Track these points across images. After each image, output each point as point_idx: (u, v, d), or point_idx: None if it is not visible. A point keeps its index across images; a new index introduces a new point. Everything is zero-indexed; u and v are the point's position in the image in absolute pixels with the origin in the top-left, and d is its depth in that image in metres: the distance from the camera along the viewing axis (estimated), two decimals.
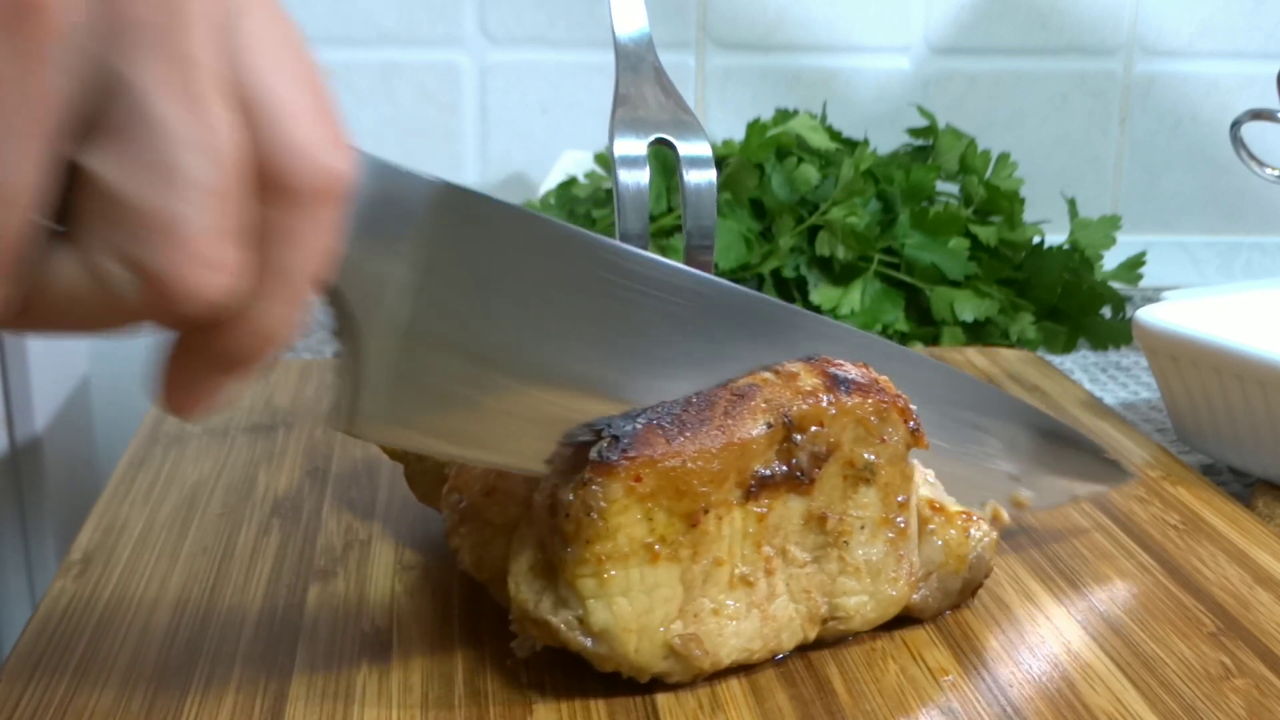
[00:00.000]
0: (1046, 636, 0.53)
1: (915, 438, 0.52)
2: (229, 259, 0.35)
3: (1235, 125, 0.90)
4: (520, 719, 0.47)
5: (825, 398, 0.50)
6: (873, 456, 0.51)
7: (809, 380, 0.51)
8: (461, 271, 0.44)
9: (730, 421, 0.49)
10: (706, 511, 0.48)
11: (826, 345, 0.52)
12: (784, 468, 0.50)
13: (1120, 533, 0.62)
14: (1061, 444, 0.61)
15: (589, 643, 0.47)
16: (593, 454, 0.47)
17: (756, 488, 0.49)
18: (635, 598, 0.47)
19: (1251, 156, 0.90)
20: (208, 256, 0.34)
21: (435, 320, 0.44)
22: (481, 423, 0.46)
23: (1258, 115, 0.90)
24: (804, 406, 0.50)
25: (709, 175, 0.56)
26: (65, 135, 0.33)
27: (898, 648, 0.53)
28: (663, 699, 0.49)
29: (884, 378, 0.53)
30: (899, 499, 0.52)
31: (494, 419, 0.46)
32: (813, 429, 0.50)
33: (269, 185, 0.36)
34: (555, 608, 0.48)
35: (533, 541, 0.49)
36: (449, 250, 0.44)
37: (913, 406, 0.52)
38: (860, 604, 0.52)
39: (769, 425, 0.49)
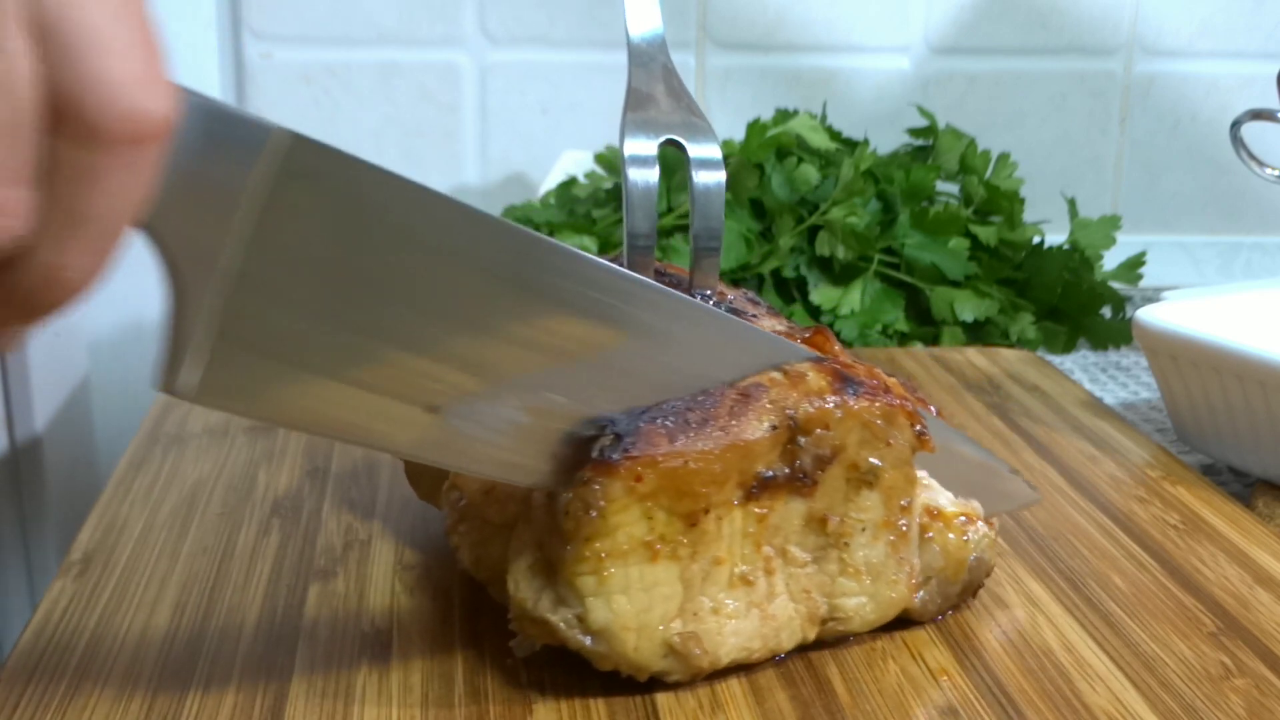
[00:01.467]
0: (1047, 636, 0.53)
1: (921, 441, 0.52)
2: (17, 200, 0.33)
3: (1235, 125, 0.90)
4: (520, 719, 0.47)
5: (832, 400, 0.50)
6: (877, 460, 0.51)
7: (816, 381, 0.50)
8: (304, 227, 0.41)
9: (734, 422, 0.48)
10: (707, 511, 0.48)
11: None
12: (787, 469, 0.50)
13: (1120, 533, 0.62)
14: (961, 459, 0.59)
15: (588, 641, 0.47)
16: (594, 452, 0.47)
17: (758, 488, 0.49)
18: (634, 596, 0.47)
19: (1251, 156, 0.90)
20: None
21: (270, 275, 0.41)
22: (319, 392, 0.43)
23: (1258, 115, 0.90)
24: (810, 409, 0.50)
25: (718, 177, 0.56)
26: None
27: (898, 648, 0.53)
28: (662, 699, 0.49)
29: (894, 380, 0.53)
30: (902, 502, 0.52)
31: (334, 388, 0.43)
32: (818, 431, 0.50)
33: (71, 122, 0.33)
34: (554, 606, 0.48)
35: (532, 540, 0.49)
36: (290, 203, 0.40)
37: (922, 410, 0.52)
38: (859, 605, 0.52)
39: (773, 427, 0.49)
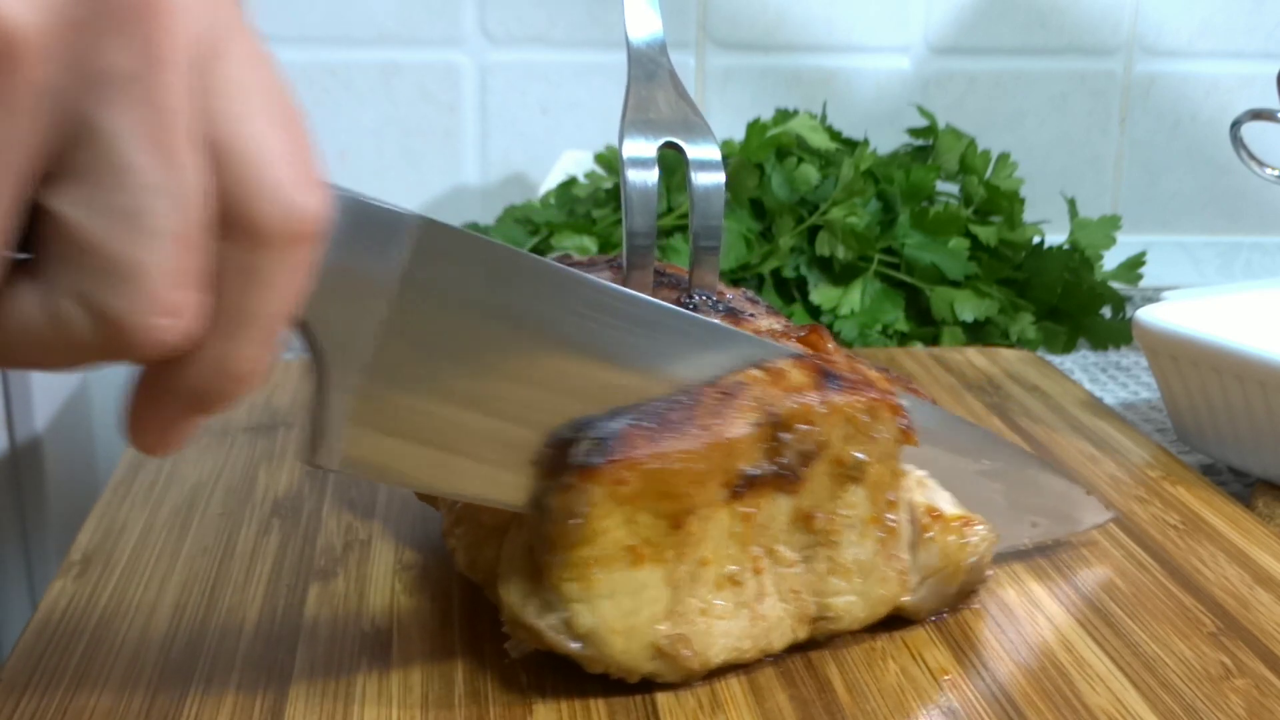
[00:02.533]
0: (1047, 636, 0.53)
1: (906, 435, 0.52)
2: (189, 304, 0.35)
3: (1235, 125, 0.90)
4: (520, 719, 0.47)
5: (814, 395, 0.50)
6: (862, 455, 0.51)
7: (798, 377, 0.50)
8: (438, 309, 0.44)
9: (716, 420, 0.48)
10: (691, 513, 0.48)
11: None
12: (771, 467, 0.50)
13: (1120, 533, 0.62)
14: (1040, 483, 0.61)
15: (575, 645, 0.47)
16: (574, 456, 0.47)
17: (743, 487, 0.49)
18: (620, 600, 0.47)
19: (1251, 156, 0.90)
20: (167, 302, 0.34)
21: (407, 356, 0.44)
22: (452, 459, 0.46)
23: (1258, 115, 0.90)
24: (792, 405, 0.49)
25: (718, 178, 0.56)
26: (35, 177, 0.33)
27: (898, 648, 0.53)
28: (663, 699, 0.49)
29: (876, 373, 0.53)
30: (888, 497, 0.52)
31: (465, 454, 0.46)
32: (801, 427, 0.49)
33: (239, 228, 0.35)
34: (541, 611, 0.48)
35: (522, 544, 0.49)
36: (426, 287, 0.43)
37: (903, 403, 0.52)
38: (849, 604, 0.52)
39: (756, 424, 0.49)
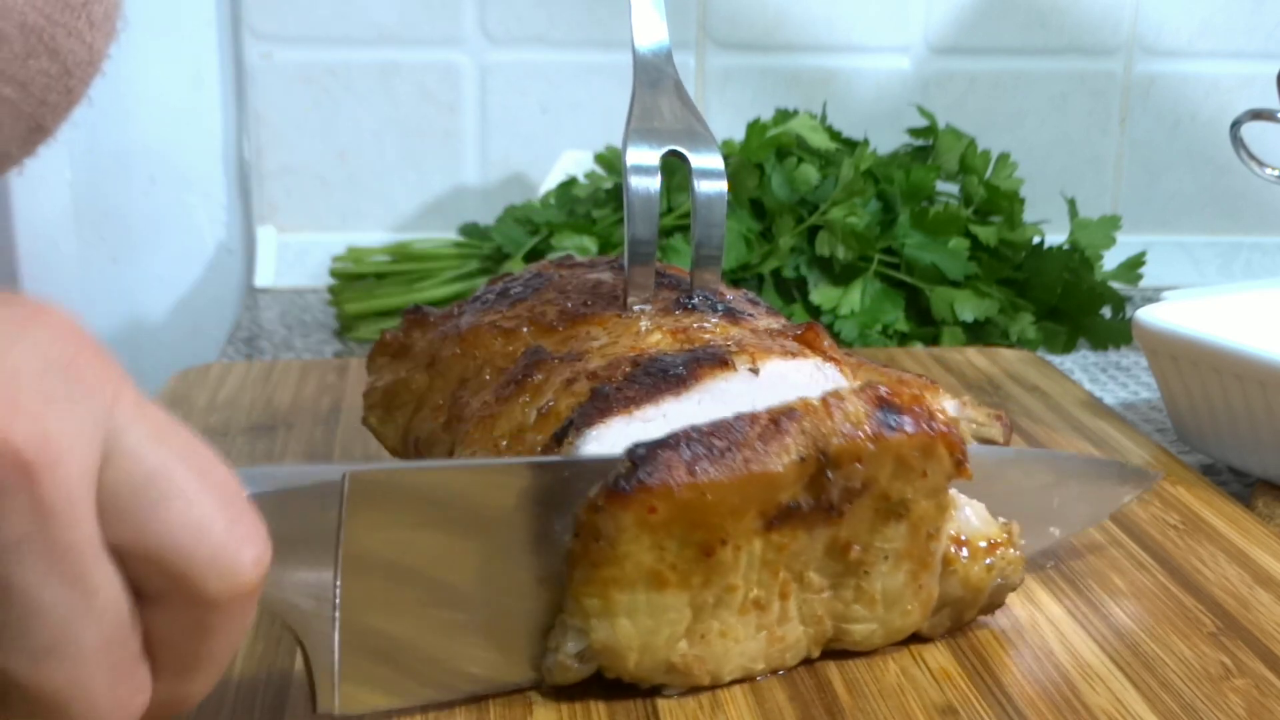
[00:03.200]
0: (1047, 636, 0.53)
1: (960, 470, 0.50)
2: (132, 694, 0.37)
3: (1235, 125, 0.90)
4: (520, 719, 0.47)
5: (868, 431, 0.47)
6: (910, 493, 0.49)
7: (855, 406, 0.48)
8: (384, 545, 0.44)
9: (760, 452, 0.46)
10: (724, 543, 0.46)
11: None
12: (813, 501, 0.47)
13: (1120, 533, 0.62)
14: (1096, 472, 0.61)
15: (583, 667, 0.47)
16: (608, 479, 0.45)
17: (780, 518, 0.47)
18: (639, 620, 0.46)
19: (1251, 156, 0.90)
20: (109, 706, 0.36)
21: (367, 596, 0.44)
22: (449, 664, 0.47)
23: (1258, 115, 0.90)
24: (842, 441, 0.47)
25: (720, 186, 0.56)
26: None
27: (898, 648, 0.52)
28: (663, 699, 0.49)
29: (940, 405, 0.50)
30: (929, 530, 0.50)
31: (458, 659, 0.47)
32: (849, 465, 0.47)
33: (185, 599, 0.36)
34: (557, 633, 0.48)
35: None
36: (366, 534, 0.44)
37: (962, 438, 0.50)
38: (869, 631, 0.51)
39: (801, 458, 0.47)
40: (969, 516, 0.52)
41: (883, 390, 0.49)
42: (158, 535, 0.36)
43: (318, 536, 0.43)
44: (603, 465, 0.46)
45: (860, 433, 0.47)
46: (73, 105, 0.56)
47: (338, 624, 0.44)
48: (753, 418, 0.47)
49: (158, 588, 0.36)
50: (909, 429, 0.48)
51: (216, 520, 0.37)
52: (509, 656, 0.48)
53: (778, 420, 0.47)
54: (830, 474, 0.47)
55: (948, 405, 0.55)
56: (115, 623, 0.36)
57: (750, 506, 0.46)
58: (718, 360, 0.51)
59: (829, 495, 0.48)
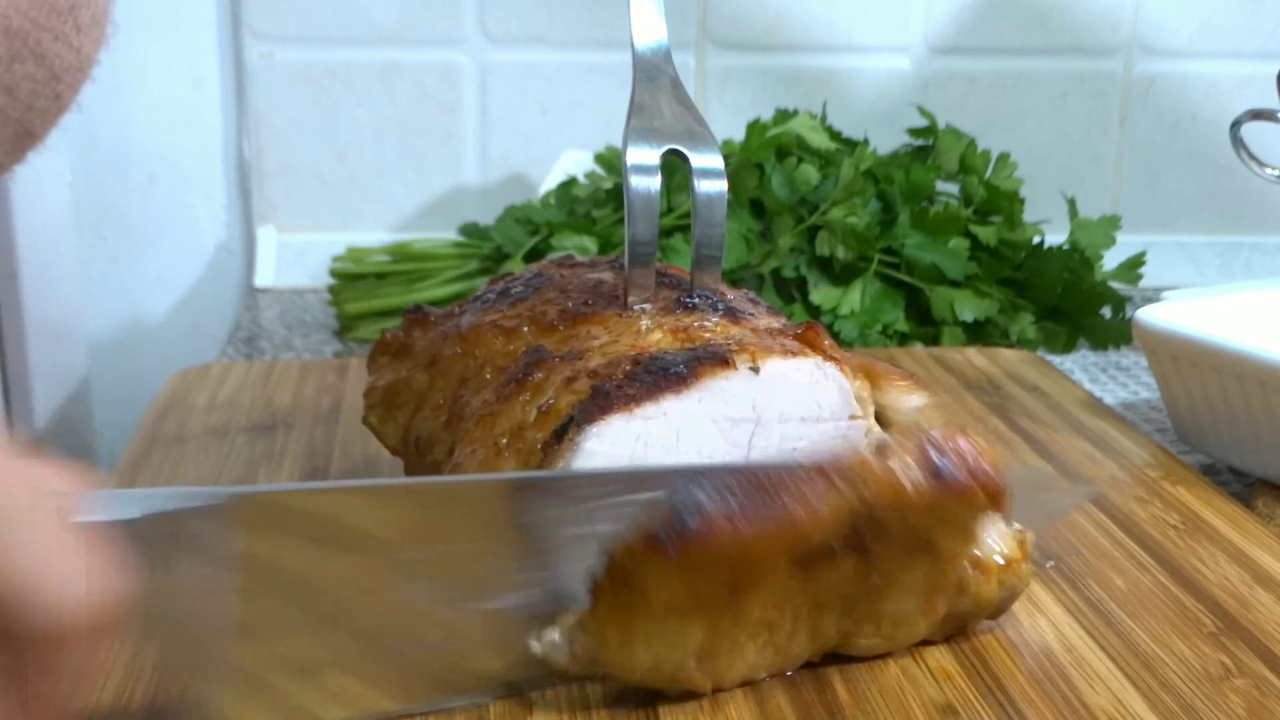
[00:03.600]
0: (1047, 636, 0.53)
1: (997, 506, 0.49)
2: None
3: (1235, 125, 0.90)
4: (520, 719, 0.47)
5: (916, 482, 0.47)
6: (942, 533, 0.49)
7: (903, 461, 0.47)
8: (275, 566, 0.44)
9: (802, 500, 0.45)
10: (755, 582, 0.46)
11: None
12: (845, 544, 0.47)
13: (1120, 533, 0.62)
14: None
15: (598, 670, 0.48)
16: (645, 526, 0.45)
17: (811, 558, 0.47)
18: (656, 646, 0.46)
19: (1251, 156, 0.90)
20: None
21: (262, 615, 0.44)
22: (342, 688, 0.46)
23: (1258, 115, 0.90)
24: (886, 498, 0.46)
25: (720, 186, 0.56)
26: None
27: None
28: (664, 703, 0.48)
29: (990, 459, 0.48)
30: (951, 558, 0.50)
31: (351, 677, 0.46)
32: (891, 515, 0.47)
33: (16, 640, 0.35)
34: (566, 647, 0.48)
35: None
36: (256, 554, 0.43)
37: (1005, 485, 0.48)
38: (872, 645, 0.51)
39: (838, 509, 0.46)
40: (988, 536, 0.52)
41: (931, 443, 0.47)
42: None
43: (201, 558, 0.42)
44: (481, 487, 0.46)
45: (908, 485, 0.46)
46: (62, 111, 0.56)
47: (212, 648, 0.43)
48: (798, 466, 0.46)
49: None
50: (956, 480, 0.47)
51: (49, 552, 0.35)
52: (403, 682, 0.47)
53: (824, 471, 0.46)
54: (868, 522, 0.47)
55: (914, 399, 0.55)
56: None
57: (786, 550, 0.46)
58: (718, 359, 0.51)
59: (863, 539, 0.47)
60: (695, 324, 0.54)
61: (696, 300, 0.56)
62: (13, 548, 0.35)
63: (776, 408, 0.52)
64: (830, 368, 0.53)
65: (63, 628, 0.35)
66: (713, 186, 0.56)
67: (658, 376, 0.50)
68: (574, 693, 0.49)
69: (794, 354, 0.52)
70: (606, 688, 0.49)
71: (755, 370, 0.51)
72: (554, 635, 0.47)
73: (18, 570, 0.35)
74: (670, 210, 0.98)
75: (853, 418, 0.53)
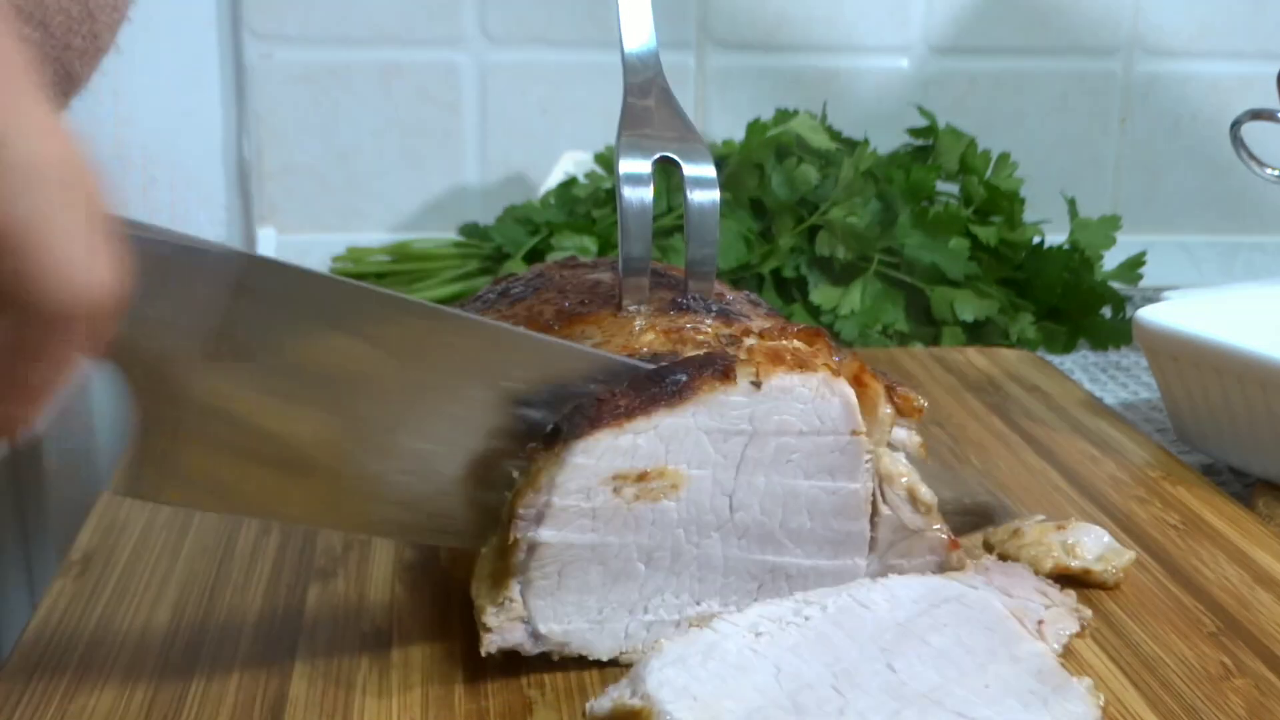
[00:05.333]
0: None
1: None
2: None
3: (1235, 125, 0.90)
4: (519, 718, 0.47)
5: None
6: None
7: None
8: (255, 341, 0.44)
9: None
10: None
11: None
12: None
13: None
14: None
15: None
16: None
17: None
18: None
19: (1251, 156, 0.90)
20: None
21: (224, 389, 0.44)
22: (269, 486, 0.46)
23: (1258, 115, 0.90)
24: None
25: (712, 195, 0.56)
26: None
27: None
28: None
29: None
30: None
31: (284, 482, 0.47)
32: None
33: (13, 307, 0.35)
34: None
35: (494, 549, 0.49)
36: (242, 322, 0.43)
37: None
38: None
39: None
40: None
41: None
42: (10, 220, 0.34)
43: (198, 306, 0.43)
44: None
45: None
46: (101, 52, 0.55)
47: (182, 402, 0.43)
48: None
49: None
50: None
51: (76, 230, 0.35)
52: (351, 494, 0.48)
53: None
54: None
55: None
56: None
57: None
58: (719, 372, 0.50)
59: None
60: (689, 325, 0.54)
61: (691, 302, 0.56)
62: (44, 217, 0.35)
63: (775, 421, 0.51)
64: (839, 383, 0.52)
65: (72, 307, 0.35)
66: (705, 197, 0.57)
67: (655, 389, 0.49)
68: (574, 692, 0.49)
69: (802, 366, 0.52)
70: (607, 685, 0.49)
71: (757, 385, 0.51)
72: None
73: (43, 243, 0.35)
74: (670, 210, 0.98)
75: (854, 433, 0.52)
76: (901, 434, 0.55)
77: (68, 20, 0.53)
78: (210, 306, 0.43)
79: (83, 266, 0.35)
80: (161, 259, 0.41)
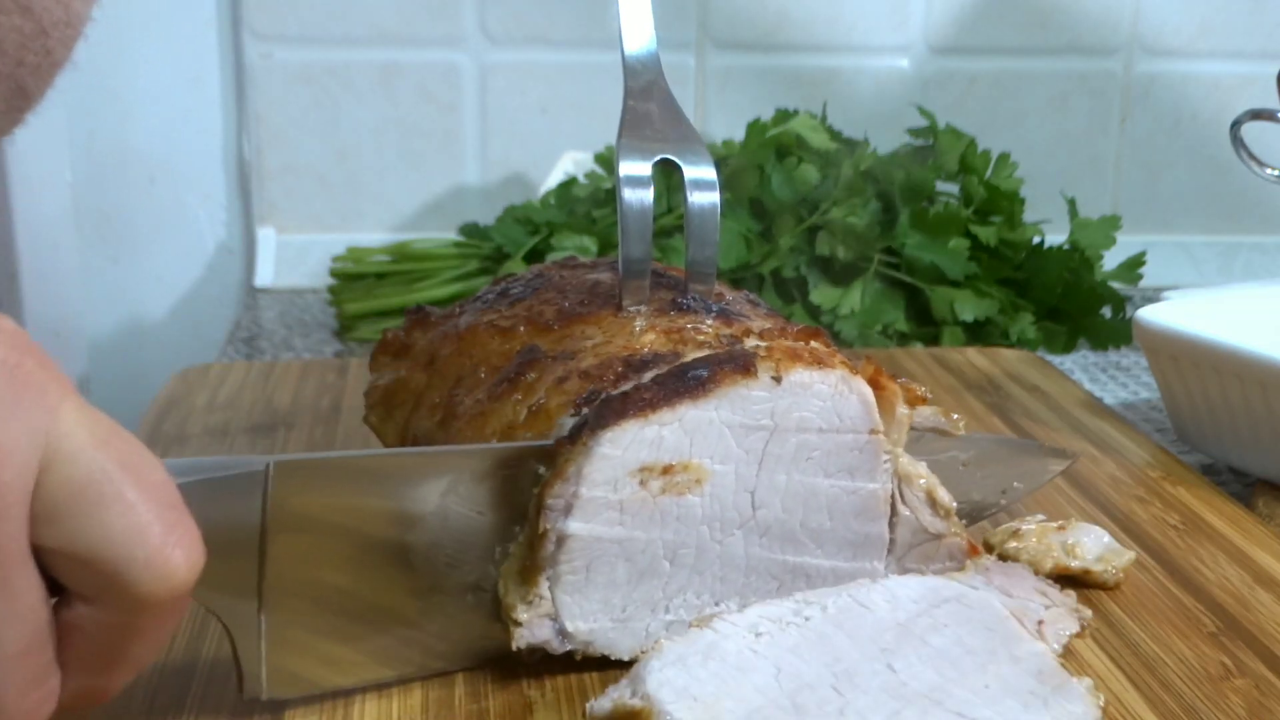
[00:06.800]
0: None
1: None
2: (43, 699, 0.37)
3: (1235, 125, 0.90)
4: (520, 719, 0.47)
5: None
6: None
7: None
8: (304, 536, 0.45)
9: None
10: None
11: None
12: None
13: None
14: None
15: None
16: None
17: None
18: None
19: (1251, 156, 0.90)
20: (18, 712, 0.36)
21: (291, 583, 0.45)
22: (374, 649, 0.48)
23: (1258, 115, 0.90)
24: None
25: (712, 197, 0.57)
26: None
27: None
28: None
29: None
30: None
31: (380, 644, 0.48)
32: None
33: (117, 600, 0.37)
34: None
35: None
36: (291, 516, 0.45)
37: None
38: None
39: None
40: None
41: None
42: (93, 539, 0.36)
43: (241, 524, 0.44)
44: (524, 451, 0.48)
45: None
46: (55, 68, 0.56)
47: (262, 608, 0.45)
48: None
49: (90, 589, 0.36)
50: None
51: (153, 524, 0.37)
52: (441, 635, 0.49)
53: None
54: None
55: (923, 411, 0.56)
56: (35, 628, 0.36)
57: None
58: (740, 367, 0.50)
59: None
60: (689, 326, 0.54)
61: (691, 302, 0.56)
62: (139, 515, 0.37)
63: (795, 417, 0.51)
64: (856, 381, 0.52)
65: (171, 590, 0.37)
66: (705, 199, 0.57)
67: (678, 382, 0.50)
68: (574, 692, 0.49)
69: (820, 364, 0.52)
70: (607, 685, 0.49)
71: (778, 380, 0.51)
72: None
73: (143, 535, 0.36)
74: (670, 210, 0.98)
75: (873, 432, 0.52)
76: (927, 412, 0.55)
77: (20, 37, 0.53)
78: (253, 518, 0.44)
79: (165, 549, 0.37)
80: (201, 491, 0.42)
